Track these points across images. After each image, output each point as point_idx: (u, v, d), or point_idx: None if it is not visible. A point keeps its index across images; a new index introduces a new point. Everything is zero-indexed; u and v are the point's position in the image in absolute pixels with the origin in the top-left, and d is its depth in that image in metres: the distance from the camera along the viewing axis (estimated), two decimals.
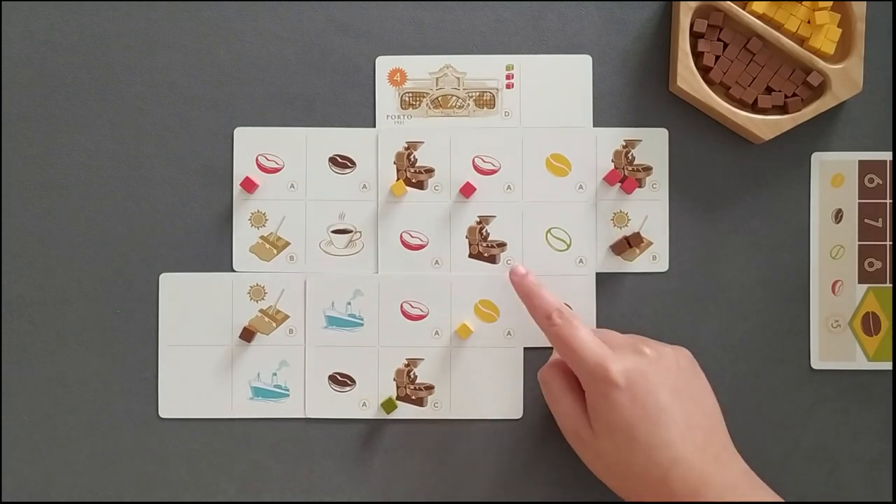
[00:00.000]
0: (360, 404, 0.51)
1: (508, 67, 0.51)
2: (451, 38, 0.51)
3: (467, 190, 0.50)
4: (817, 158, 0.51)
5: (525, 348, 0.51)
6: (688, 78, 0.49)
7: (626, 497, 0.44)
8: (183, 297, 0.51)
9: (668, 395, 0.42)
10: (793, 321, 0.51)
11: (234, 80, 0.51)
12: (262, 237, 0.51)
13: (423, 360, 0.51)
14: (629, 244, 0.50)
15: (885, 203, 0.51)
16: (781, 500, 0.43)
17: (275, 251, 0.51)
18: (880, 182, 0.51)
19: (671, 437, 0.42)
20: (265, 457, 0.51)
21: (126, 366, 0.51)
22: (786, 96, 0.50)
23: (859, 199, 0.51)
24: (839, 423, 0.51)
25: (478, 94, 0.51)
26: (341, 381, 0.51)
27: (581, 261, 0.51)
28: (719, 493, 0.41)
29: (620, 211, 0.51)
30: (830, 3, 0.49)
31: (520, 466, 0.51)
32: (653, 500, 0.42)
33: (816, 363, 0.51)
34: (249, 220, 0.51)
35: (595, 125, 0.51)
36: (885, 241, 0.51)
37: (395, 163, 0.51)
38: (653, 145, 0.51)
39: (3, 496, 0.51)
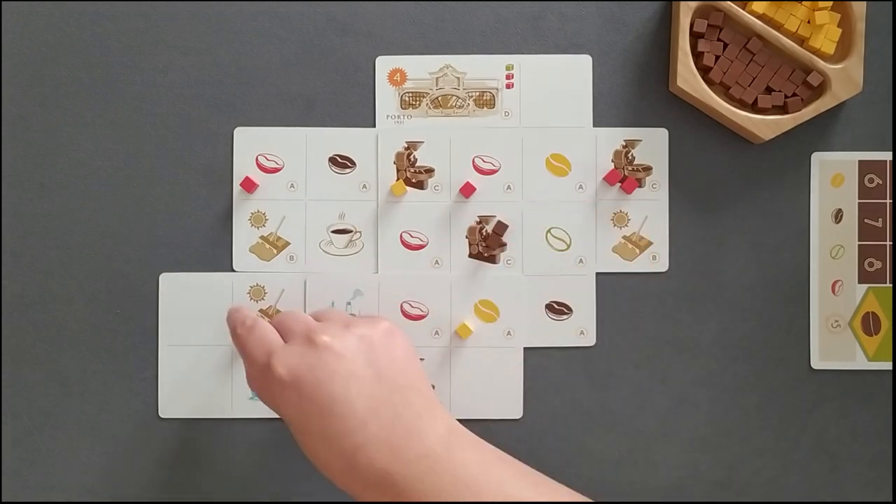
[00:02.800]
0: None
1: (508, 67, 0.51)
2: (451, 38, 0.51)
3: (467, 190, 0.50)
4: (817, 158, 0.51)
5: (525, 348, 0.51)
6: (688, 78, 0.49)
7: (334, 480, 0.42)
8: (183, 297, 0.51)
9: (342, 382, 0.41)
10: (793, 321, 0.51)
11: (234, 80, 0.51)
12: (262, 237, 0.51)
13: (423, 360, 0.51)
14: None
15: (885, 203, 0.51)
16: (494, 450, 0.42)
17: (275, 251, 0.51)
18: (880, 182, 0.51)
19: (348, 426, 0.40)
20: (265, 457, 0.51)
21: (126, 366, 0.51)
22: (786, 96, 0.50)
23: (859, 199, 0.51)
24: (839, 423, 0.51)
25: (478, 94, 0.51)
26: None
27: (581, 261, 0.51)
28: (414, 468, 0.40)
29: (620, 211, 0.51)
30: (830, 3, 0.49)
31: None
32: (353, 484, 0.41)
33: (816, 363, 0.51)
34: (249, 220, 0.51)
35: (595, 125, 0.51)
36: (885, 241, 0.51)
37: (395, 163, 0.51)
38: (653, 145, 0.51)
39: (3, 496, 0.51)
